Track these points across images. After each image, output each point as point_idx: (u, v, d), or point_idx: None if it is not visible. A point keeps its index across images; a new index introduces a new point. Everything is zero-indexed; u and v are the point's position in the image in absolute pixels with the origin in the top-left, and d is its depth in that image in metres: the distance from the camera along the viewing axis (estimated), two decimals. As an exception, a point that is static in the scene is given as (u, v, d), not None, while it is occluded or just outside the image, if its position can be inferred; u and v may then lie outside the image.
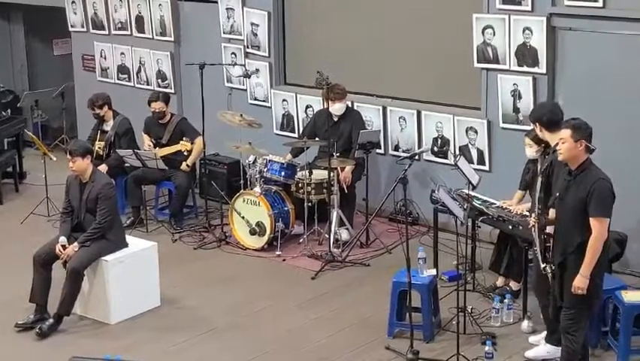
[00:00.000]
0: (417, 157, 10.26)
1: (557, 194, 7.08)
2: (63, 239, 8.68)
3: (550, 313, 7.47)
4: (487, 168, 10.32)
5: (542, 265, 7.14)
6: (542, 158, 8.14)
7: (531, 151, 8.52)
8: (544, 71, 9.73)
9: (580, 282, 6.85)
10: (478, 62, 10.17)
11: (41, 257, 8.73)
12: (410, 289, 7.99)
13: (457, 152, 10.19)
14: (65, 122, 14.64)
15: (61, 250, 8.63)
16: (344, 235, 10.39)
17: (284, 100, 11.90)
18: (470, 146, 10.44)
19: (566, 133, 6.92)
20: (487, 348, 7.81)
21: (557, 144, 7.23)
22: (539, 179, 7.30)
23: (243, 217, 10.41)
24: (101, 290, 8.76)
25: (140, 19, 13.02)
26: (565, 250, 6.98)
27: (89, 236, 8.62)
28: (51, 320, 8.56)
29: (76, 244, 8.62)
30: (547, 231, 7.20)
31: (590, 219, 6.82)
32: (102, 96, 11.56)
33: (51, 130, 15.12)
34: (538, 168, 7.91)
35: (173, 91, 12.77)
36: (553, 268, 7.08)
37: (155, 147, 11.16)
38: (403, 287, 8.12)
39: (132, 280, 8.84)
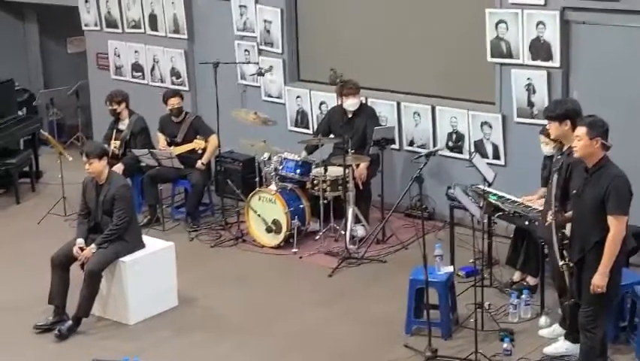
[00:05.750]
0: (432, 154, 10.26)
1: (574, 192, 7.07)
2: (80, 241, 8.71)
3: (568, 310, 7.47)
4: (502, 162, 10.31)
5: (560, 263, 7.13)
6: (558, 153, 8.09)
7: (548, 148, 8.52)
8: (558, 65, 9.70)
9: (598, 280, 6.84)
10: (491, 57, 10.15)
11: (59, 259, 8.77)
12: (427, 287, 8.00)
13: (472, 149, 10.17)
14: (80, 120, 14.73)
15: (79, 251, 8.67)
16: (360, 231, 10.40)
17: (298, 96, 11.90)
18: (485, 141, 10.43)
19: (581, 131, 6.90)
20: (505, 345, 7.81)
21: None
22: (555, 176, 7.27)
23: (259, 215, 10.43)
24: (119, 291, 8.80)
25: (153, 17, 13.03)
26: (583, 248, 6.97)
27: (106, 238, 8.66)
28: (70, 322, 8.60)
29: (93, 245, 8.65)
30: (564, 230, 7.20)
31: (608, 216, 6.80)
32: (121, 93, 11.60)
33: (66, 128, 15.19)
34: (553, 165, 7.86)
35: (187, 88, 12.80)
36: (571, 265, 7.07)
37: (170, 146, 11.20)
38: (420, 285, 8.14)
39: (150, 281, 8.87)
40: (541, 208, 8.30)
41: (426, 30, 10.86)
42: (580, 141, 6.89)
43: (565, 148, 7.71)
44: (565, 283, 7.23)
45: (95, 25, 13.74)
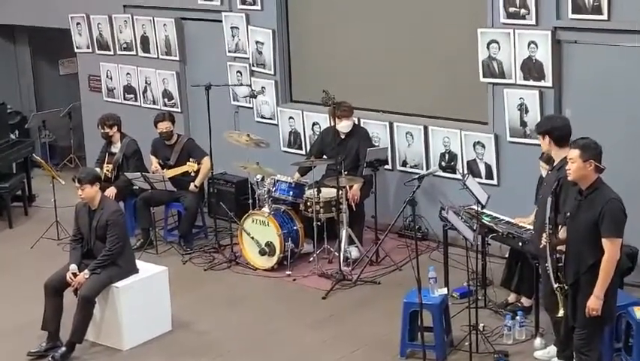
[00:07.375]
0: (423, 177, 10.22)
1: (567, 213, 7.06)
2: (74, 267, 8.69)
3: (562, 332, 7.45)
4: (495, 182, 10.30)
5: (555, 286, 7.10)
6: (549, 173, 8.06)
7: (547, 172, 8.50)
8: (550, 84, 9.71)
9: (594, 303, 6.82)
10: (484, 77, 10.16)
11: (52, 285, 8.74)
12: (422, 310, 7.97)
13: (465, 171, 10.16)
14: (73, 142, 14.70)
15: (72, 277, 8.64)
16: (354, 252, 10.38)
17: (290, 117, 11.89)
18: (478, 160, 10.43)
19: (574, 153, 6.89)
20: (500, 368, 7.80)
21: (563, 160, 7.25)
22: (549, 198, 7.25)
23: (252, 238, 10.40)
24: (113, 317, 8.76)
25: (145, 39, 13.03)
26: (577, 271, 6.95)
27: (100, 263, 8.63)
28: (63, 348, 8.56)
29: (86, 271, 8.62)
30: (559, 249, 7.17)
31: (602, 239, 6.79)
32: (113, 116, 11.59)
33: (59, 150, 15.17)
34: (544, 186, 7.85)
35: (179, 110, 12.79)
36: (565, 288, 7.05)
37: (162, 169, 11.18)
38: (414, 308, 8.09)
39: (143, 306, 8.84)
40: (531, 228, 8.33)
41: (418, 50, 10.87)
42: (573, 163, 6.88)
43: (555, 163, 7.72)
44: (556, 300, 7.19)
45: (87, 47, 13.74)
